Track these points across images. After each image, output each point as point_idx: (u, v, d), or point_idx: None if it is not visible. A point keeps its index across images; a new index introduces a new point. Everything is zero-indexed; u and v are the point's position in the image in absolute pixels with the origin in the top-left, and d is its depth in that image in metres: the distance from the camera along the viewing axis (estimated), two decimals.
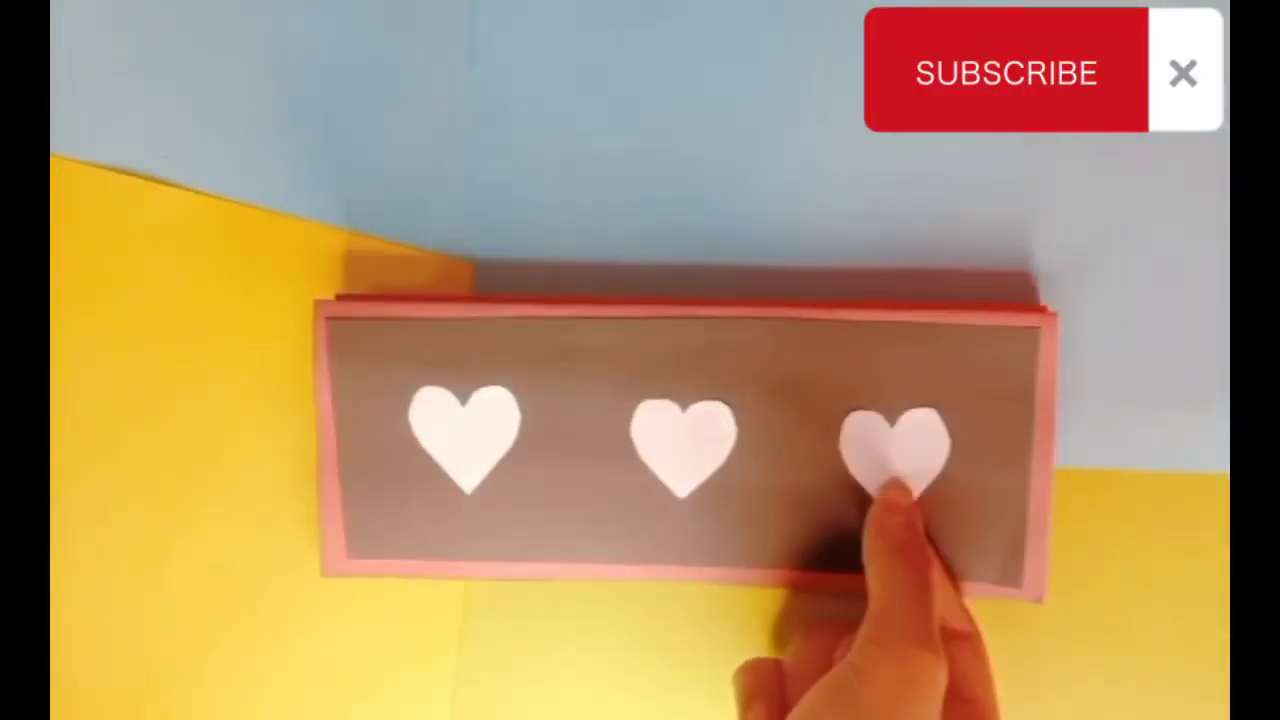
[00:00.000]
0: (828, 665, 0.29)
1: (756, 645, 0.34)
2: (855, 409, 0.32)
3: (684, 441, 0.32)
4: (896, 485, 0.32)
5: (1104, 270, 0.33)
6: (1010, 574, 0.32)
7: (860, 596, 0.30)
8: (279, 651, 0.35)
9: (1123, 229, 0.33)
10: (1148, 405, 0.33)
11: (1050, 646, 0.33)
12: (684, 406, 0.32)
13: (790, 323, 0.32)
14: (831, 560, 0.32)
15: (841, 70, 0.33)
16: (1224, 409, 0.32)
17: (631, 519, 0.33)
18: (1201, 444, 0.33)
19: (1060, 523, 0.32)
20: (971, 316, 0.31)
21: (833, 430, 0.32)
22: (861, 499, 0.32)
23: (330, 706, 0.35)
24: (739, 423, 0.32)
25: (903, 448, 0.32)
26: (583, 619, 0.34)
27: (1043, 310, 0.32)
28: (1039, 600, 0.32)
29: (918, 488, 0.32)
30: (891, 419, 0.32)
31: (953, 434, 0.31)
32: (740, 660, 0.31)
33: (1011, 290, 0.33)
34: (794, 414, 0.32)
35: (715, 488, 0.32)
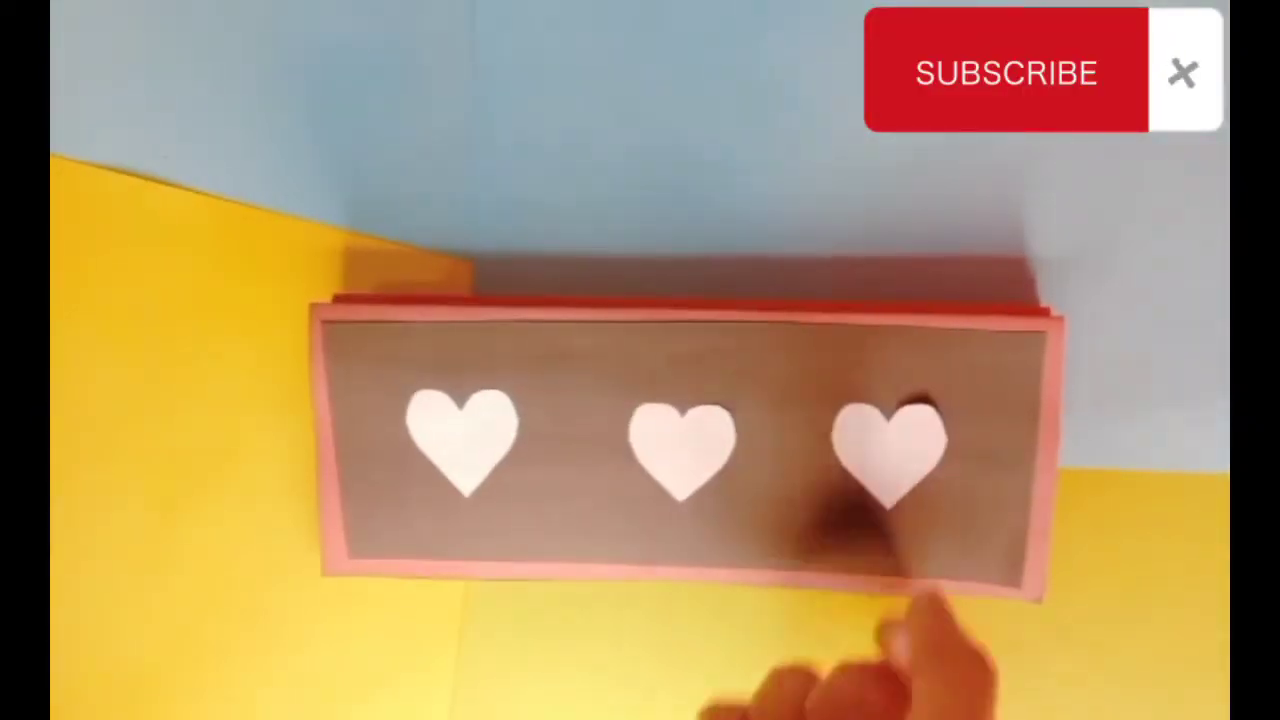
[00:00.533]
0: (797, 714, 0.26)
1: (758, 643, 0.34)
2: (850, 401, 0.32)
3: (682, 445, 0.32)
4: (926, 593, 0.27)
5: (1103, 270, 0.33)
6: (1010, 574, 0.32)
7: (855, 593, 0.30)
8: (279, 651, 0.35)
9: (1122, 229, 0.33)
10: (1148, 405, 0.33)
11: (1050, 646, 0.33)
12: (682, 411, 0.32)
13: (790, 326, 0.32)
14: (831, 558, 0.32)
15: (841, 70, 0.33)
16: (1224, 409, 0.32)
17: (630, 521, 0.33)
18: (1201, 444, 0.33)
19: (1060, 523, 0.32)
20: (976, 321, 0.31)
21: (828, 423, 0.32)
22: (855, 492, 0.32)
23: (330, 707, 0.35)
24: (738, 427, 0.32)
25: (898, 441, 0.32)
26: (583, 620, 0.34)
27: (1047, 314, 0.32)
28: (1038, 600, 0.32)
29: (910, 482, 0.32)
30: (888, 413, 0.32)
31: (950, 432, 0.31)
32: (744, 656, 0.31)
33: (1011, 290, 0.33)
34: (792, 415, 0.32)
35: (714, 491, 0.32)
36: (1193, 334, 0.33)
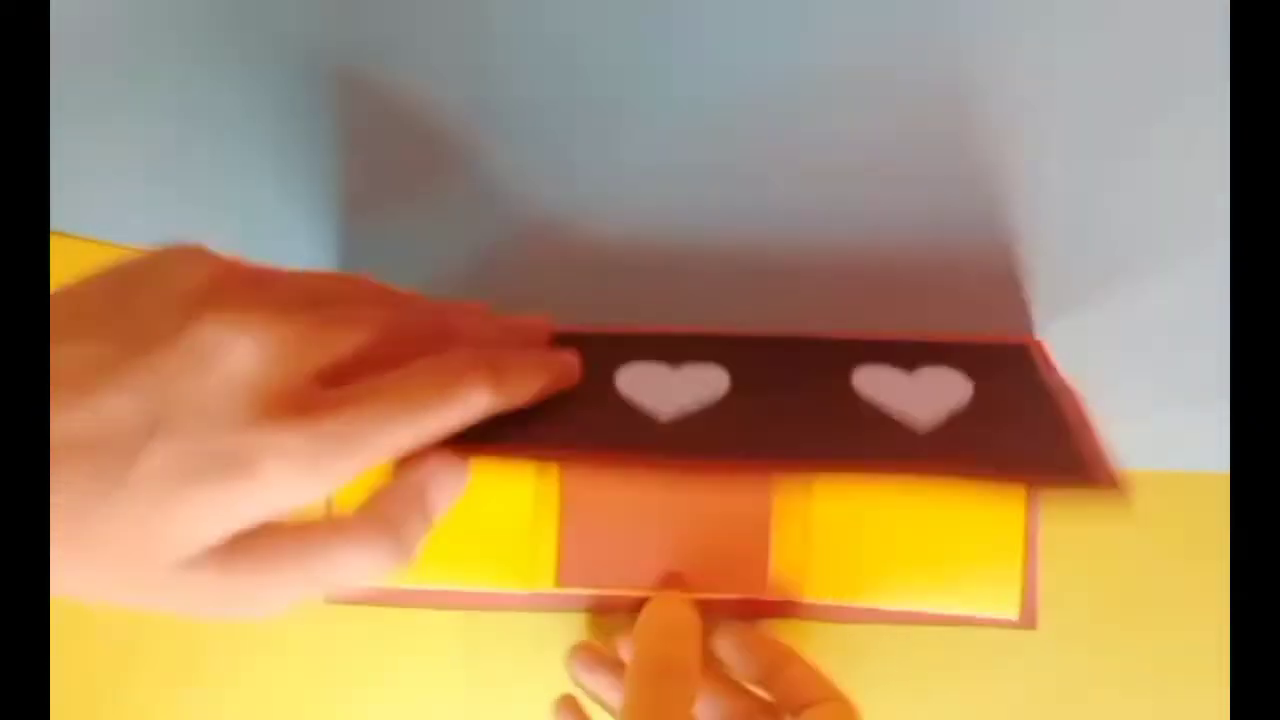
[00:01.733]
0: None
1: None
2: (864, 362, 0.30)
3: (673, 386, 0.30)
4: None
5: (1103, 270, 0.33)
6: (1070, 465, 0.28)
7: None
8: (278, 651, 0.35)
9: (1122, 228, 0.33)
10: (1148, 405, 0.33)
11: (1049, 647, 0.33)
12: (675, 366, 0.30)
13: (783, 340, 0.31)
14: (831, 446, 0.28)
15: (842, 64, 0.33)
16: (1224, 409, 0.32)
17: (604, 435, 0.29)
18: (1201, 444, 0.33)
19: (1060, 523, 0.32)
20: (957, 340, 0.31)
21: (845, 376, 0.30)
22: (882, 417, 0.28)
23: (330, 707, 0.35)
24: (733, 379, 0.30)
25: (923, 389, 0.29)
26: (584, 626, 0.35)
27: (1029, 340, 0.31)
28: (1031, 626, 0.31)
29: (946, 410, 0.29)
30: (908, 370, 0.30)
31: (975, 384, 0.29)
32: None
33: (1004, 287, 0.33)
34: (794, 374, 0.30)
35: (704, 414, 0.29)
36: (1193, 334, 0.33)
